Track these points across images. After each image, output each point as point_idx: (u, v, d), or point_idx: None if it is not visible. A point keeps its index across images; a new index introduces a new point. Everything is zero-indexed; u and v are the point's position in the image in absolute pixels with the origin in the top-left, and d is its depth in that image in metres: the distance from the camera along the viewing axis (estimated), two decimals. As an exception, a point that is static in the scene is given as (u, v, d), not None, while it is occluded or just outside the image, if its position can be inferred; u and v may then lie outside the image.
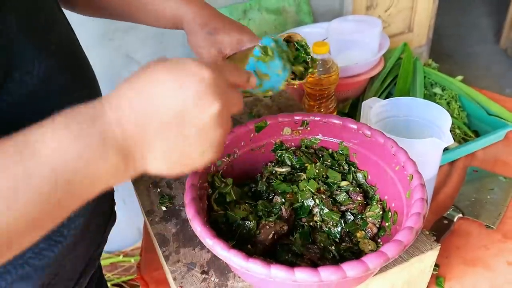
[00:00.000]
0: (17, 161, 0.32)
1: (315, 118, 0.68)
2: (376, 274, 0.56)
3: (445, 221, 0.84)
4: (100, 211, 0.61)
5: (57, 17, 0.54)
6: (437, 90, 1.18)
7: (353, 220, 0.60)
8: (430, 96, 1.16)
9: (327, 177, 0.65)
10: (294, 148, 0.69)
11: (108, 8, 0.70)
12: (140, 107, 0.35)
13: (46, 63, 0.47)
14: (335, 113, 1.03)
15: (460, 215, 0.86)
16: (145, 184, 0.73)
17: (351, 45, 1.21)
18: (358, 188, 0.64)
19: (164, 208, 0.68)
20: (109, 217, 0.65)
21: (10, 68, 0.43)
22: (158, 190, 0.72)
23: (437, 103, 1.11)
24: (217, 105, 0.37)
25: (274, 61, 0.52)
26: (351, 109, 1.18)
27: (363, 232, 0.59)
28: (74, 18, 1.04)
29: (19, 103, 0.44)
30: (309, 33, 1.33)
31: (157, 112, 0.36)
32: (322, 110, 1.00)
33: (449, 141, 0.72)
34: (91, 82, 0.59)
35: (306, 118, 0.69)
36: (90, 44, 1.15)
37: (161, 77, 0.36)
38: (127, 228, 1.34)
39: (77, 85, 0.53)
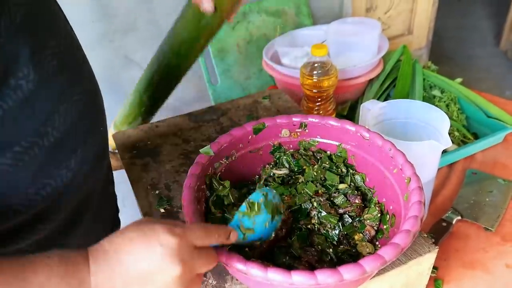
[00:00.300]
0: None
1: (314, 120, 0.68)
2: (374, 276, 0.56)
3: (444, 224, 0.84)
4: (102, 219, 0.61)
5: (56, 17, 0.54)
6: (436, 92, 1.18)
7: (351, 222, 0.60)
8: (429, 99, 1.16)
9: (325, 180, 0.65)
10: (292, 150, 0.69)
11: None
12: (112, 262, 0.41)
13: (43, 66, 0.47)
14: (333, 115, 1.03)
15: (459, 217, 0.86)
16: (144, 186, 0.73)
17: (350, 47, 1.21)
18: (356, 191, 0.64)
19: (162, 210, 0.68)
20: (112, 225, 0.65)
21: (6, 74, 0.43)
22: (157, 192, 0.72)
23: (436, 105, 1.11)
24: (179, 268, 0.41)
25: (261, 215, 0.49)
26: (349, 111, 1.18)
27: (361, 234, 0.59)
28: (74, 19, 1.04)
29: (15, 108, 0.44)
30: (308, 35, 1.33)
31: (126, 270, 0.40)
32: (321, 112, 1.00)
33: (447, 143, 0.72)
34: (91, 84, 0.58)
35: (304, 120, 0.69)
36: (90, 45, 1.15)
37: (134, 239, 0.41)
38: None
39: (76, 88, 0.53)
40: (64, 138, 0.50)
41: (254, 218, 0.49)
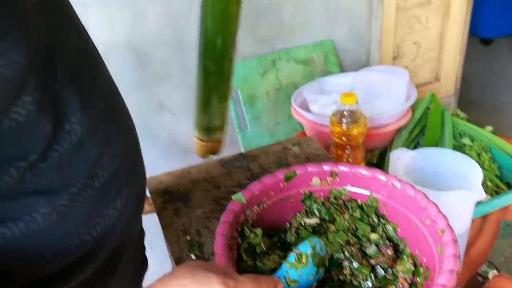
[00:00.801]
0: None
1: (344, 169, 0.69)
2: (407, 331, 0.55)
3: (480, 278, 0.82)
4: (135, 258, 0.62)
5: (99, 64, 0.58)
6: (466, 140, 1.17)
7: (383, 274, 0.59)
8: (459, 147, 1.15)
9: (356, 229, 0.64)
10: (323, 199, 0.69)
11: None
12: None
13: (92, 111, 0.50)
14: (363, 163, 1.03)
15: (495, 271, 0.84)
16: (175, 231, 0.74)
17: (379, 95, 1.23)
18: (388, 241, 0.63)
19: (193, 256, 0.69)
20: (142, 263, 0.66)
21: (61, 119, 0.46)
22: (188, 237, 0.73)
23: (467, 154, 1.10)
24: None
25: (307, 268, 0.51)
26: (379, 159, 1.18)
27: (394, 287, 0.58)
28: (113, 67, 1.10)
29: (70, 151, 0.47)
30: (336, 84, 1.36)
31: None
32: (350, 160, 1.00)
33: (480, 195, 0.71)
34: (131, 127, 0.61)
35: (334, 169, 0.69)
36: (126, 91, 1.20)
37: (188, 286, 0.42)
38: (154, 276, 1.34)
39: (119, 131, 0.55)
40: (111, 179, 0.52)
41: (301, 270, 0.49)
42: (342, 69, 1.52)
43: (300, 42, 1.39)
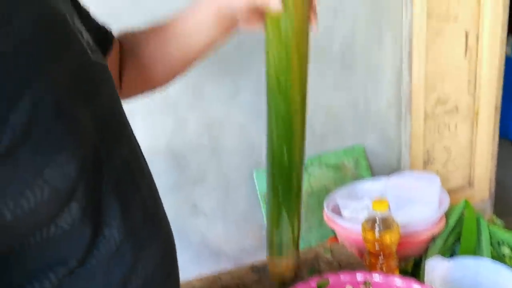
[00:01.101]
0: None
1: (378, 279, 0.68)
2: None
3: None
4: None
5: (145, 175, 0.60)
6: (506, 250, 1.13)
7: None
8: (498, 257, 1.11)
9: None
10: (357, 310, 0.68)
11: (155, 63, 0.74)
12: None
13: (131, 218, 0.52)
14: (397, 272, 1.00)
15: None
16: None
17: (411, 201, 1.22)
18: None
19: None
20: None
21: (101, 225, 0.48)
22: None
23: (507, 265, 1.06)
24: None
25: None
26: (414, 267, 1.15)
27: None
28: (151, 171, 1.15)
29: (107, 258, 0.49)
30: (368, 189, 1.37)
31: None
32: (383, 268, 0.98)
33: (524, 311, 0.68)
34: (168, 232, 0.63)
35: (368, 278, 0.69)
36: (162, 193, 1.24)
37: None
38: None
39: (156, 237, 0.57)
40: (145, 285, 0.53)
41: None
42: (373, 173, 1.53)
43: (331, 148, 1.43)
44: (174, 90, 1.17)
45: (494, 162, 1.87)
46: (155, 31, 0.74)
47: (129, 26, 0.76)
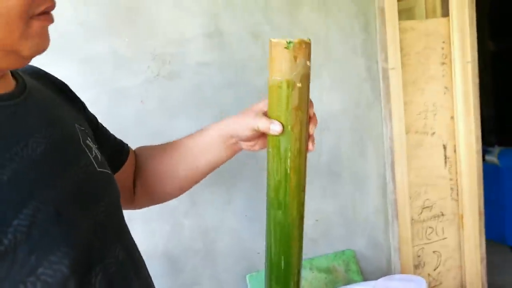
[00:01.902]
0: None
1: None
2: None
3: None
4: None
5: (139, 268, 0.66)
6: None
7: None
8: None
9: None
10: None
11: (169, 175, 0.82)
12: None
13: None
14: None
15: None
16: None
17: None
18: None
19: None
20: None
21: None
22: None
23: None
24: None
25: None
26: None
27: None
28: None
29: None
30: (358, 292, 1.41)
31: None
32: None
33: None
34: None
35: None
36: None
37: None
38: None
39: None
40: None
41: None
42: (364, 276, 1.57)
43: (322, 252, 1.49)
44: (173, 197, 1.26)
45: (484, 265, 1.90)
46: (166, 150, 0.84)
47: (133, 144, 0.86)
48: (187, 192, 1.30)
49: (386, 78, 1.51)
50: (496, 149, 3.18)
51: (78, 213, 0.56)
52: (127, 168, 0.81)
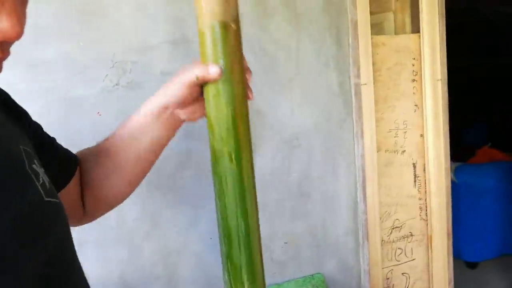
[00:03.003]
0: None
1: None
2: None
3: None
4: None
5: None
6: None
7: None
8: None
9: None
10: None
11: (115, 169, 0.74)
12: None
13: None
14: None
15: None
16: None
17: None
18: None
19: None
20: None
21: None
22: None
23: None
24: None
25: None
26: None
27: None
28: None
29: None
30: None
31: None
32: None
33: None
34: None
35: None
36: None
37: None
38: None
39: None
40: None
41: None
42: (334, 302, 1.50)
43: (290, 277, 1.41)
44: (131, 218, 1.15)
45: (452, 286, 1.88)
46: (103, 147, 0.76)
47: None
48: (147, 212, 1.20)
49: (358, 93, 1.46)
50: (453, 165, 3.23)
51: (21, 251, 0.47)
52: (75, 179, 0.72)
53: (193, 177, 1.20)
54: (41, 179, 0.55)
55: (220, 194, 0.67)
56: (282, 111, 1.34)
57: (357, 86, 1.46)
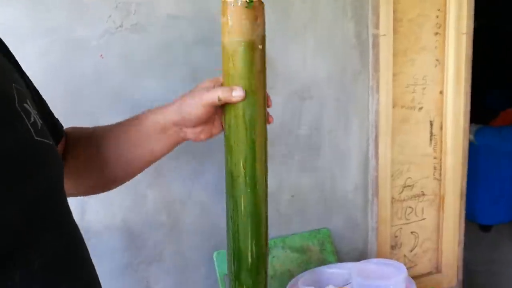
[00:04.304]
0: None
1: None
2: None
3: None
4: None
5: (79, 253, 0.57)
6: None
7: None
8: None
9: None
10: None
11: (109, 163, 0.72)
12: None
13: None
14: None
15: None
16: None
17: (376, 290, 1.18)
18: None
19: None
20: None
21: None
22: None
23: None
24: None
25: None
26: None
27: None
28: (104, 248, 1.09)
29: None
30: (334, 274, 1.32)
31: None
32: None
33: None
34: None
35: None
36: (114, 273, 1.17)
37: None
38: None
39: None
40: None
41: None
42: (339, 257, 1.49)
43: (296, 230, 1.39)
44: (135, 166, 1.13)
45: (461, 248, 1.85)
46: (95, 137, 0.73)
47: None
48: (151, 161, 1.18)
49: (376, 45, 1.38)
50: (473, 127, 3.14)
51: (5, 191, 0.46)
52: (59, 148, 0.70)
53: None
54: (32, 118, 0.52)
55: (233, 216, 0.68)
56: (294, 60, 1.28)
57: (375, 37, 1.38)
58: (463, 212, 1.79)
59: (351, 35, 1.35)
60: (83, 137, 0.74)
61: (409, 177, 1.63)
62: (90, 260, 0.60)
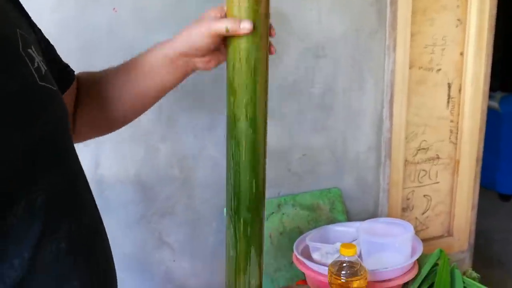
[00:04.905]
0: None
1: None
2: None
3: None
4: None
5: (83, 195, 0.60)
6: (477, 305, 1.10)
7: None
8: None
9: None
10: None
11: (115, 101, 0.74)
12: None
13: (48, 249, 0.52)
14: (361, 322, 0.97)
15: None
16: None
17: (383, 247, 1.19)
18: None
19: None
20: None
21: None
22: None
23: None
24: None
25: None
26: (381, 318, 1.10)
27: None
28: (117, 200, 1.12)
29: None
30: (341, 231, 1.34)
31: None
32: (347, 318, 0.95)
33: None
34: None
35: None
36: (128, 225, 1.21)
37: None
38: None
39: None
40: None
41: None
42: (349, 217, 1.50)
43: (307, 189, 1.41)
44: (147, 120, 1.15)
45: (475, 213, 1.85)
46: (109, 75, 0.75)
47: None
48: (164, 114, 1.19)
49: (394, 2, 1.35)
50: (499, 95, 3.06)
51: (8, 132, 0.47)
52: (71, 92, 0.72)
53: (212, 80, 1.17)
54: (36, 63, 0.53)
55: (235, 154, 0.71)
56: (309, 17, 1.26)
57: (394, -7, 1.35)
58: (478, 177, 1.77)
59: (368, -9, 1.32)
60: (95, 77, 0.76)
61: (424, 140, 1.61)
62: (94, 202, 0.62)
